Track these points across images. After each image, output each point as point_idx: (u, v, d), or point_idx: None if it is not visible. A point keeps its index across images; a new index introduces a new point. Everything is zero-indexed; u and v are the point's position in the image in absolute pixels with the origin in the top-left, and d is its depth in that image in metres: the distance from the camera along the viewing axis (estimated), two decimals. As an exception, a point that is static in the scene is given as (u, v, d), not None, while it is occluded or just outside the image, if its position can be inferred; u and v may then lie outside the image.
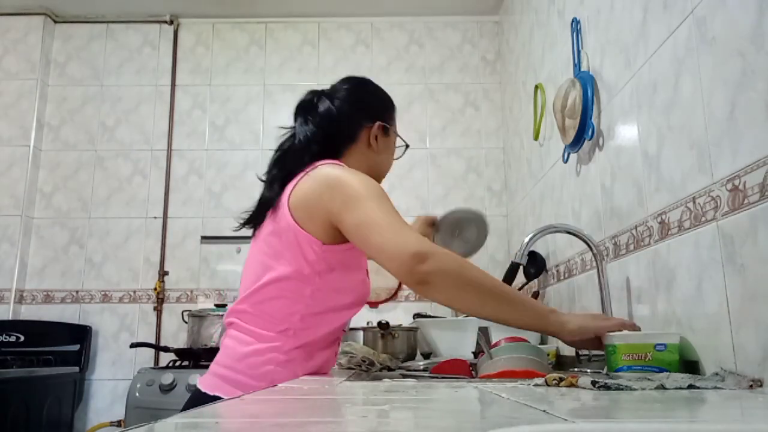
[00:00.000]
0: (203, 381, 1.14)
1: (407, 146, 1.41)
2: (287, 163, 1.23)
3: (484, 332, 1.32)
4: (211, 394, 1.09)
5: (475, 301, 1.04)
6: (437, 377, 1.20)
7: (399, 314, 2.72)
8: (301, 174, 1.16)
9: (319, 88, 1.34)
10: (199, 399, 1.09)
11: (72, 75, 3.15)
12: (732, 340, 1.00)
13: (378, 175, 1.28)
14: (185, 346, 2.58)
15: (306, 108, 1.29)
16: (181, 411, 0.76)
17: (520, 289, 2.40)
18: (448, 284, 1.02)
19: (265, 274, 1.14)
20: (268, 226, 1.18)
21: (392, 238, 1.03)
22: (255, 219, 1.23)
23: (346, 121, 1.27)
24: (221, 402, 0.75)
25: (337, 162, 1.21)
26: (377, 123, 1.28)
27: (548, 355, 1.84)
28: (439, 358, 1.78)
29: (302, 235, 1.11)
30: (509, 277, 1.53)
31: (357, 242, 1.09)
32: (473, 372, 1.35)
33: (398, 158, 1.39)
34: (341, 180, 1.11)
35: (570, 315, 1.12)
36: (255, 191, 1.29)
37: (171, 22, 3.18)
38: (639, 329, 1.14)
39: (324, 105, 1.27)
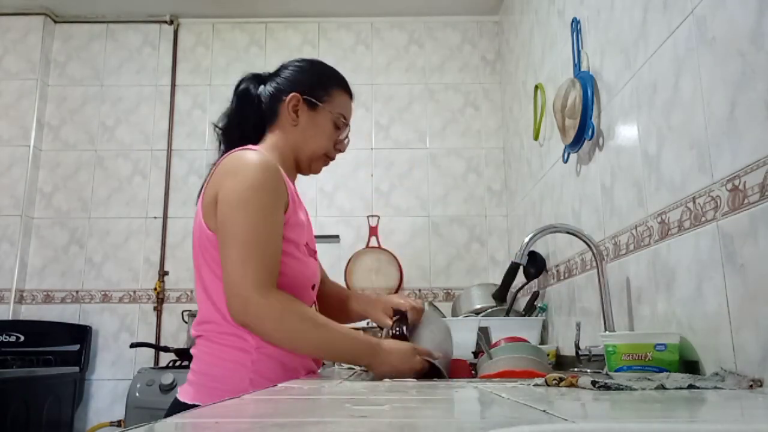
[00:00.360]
0: (181, 389, 1.12)
1: (346, 136, 1.31)
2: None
3: (484, 332, 1.31)
4: (190, 402, 1.07)
5: (297, 349, 1.10)
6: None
7: (399, 314, 2.71)
8: (215, 166, 1.16)
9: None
10: (177, 408, 1.07)
11: (72, 75, 3.15)
12: (732, 340, 1.00)
13: (301, 153, 1.24)
14: (185, 346, 2.58)
15: (235, 92, 1.29)
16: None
17: (520, 289, 2.40)
18: (266, 333, 1.04)
19: (200, 280, 1.14)
20: (194, 228, 1.17)
21: (233, 265, 1.03)
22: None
23: (268, 99, 1.25)
24: (221, 402, 0.75)
25: (249, 147, 1.17)
26: (293, 94, 1.22)
27: (548, 355, 1.84)
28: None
29: (208, 234, 1.10)
30: (509, 277, 1.53)
31: (218, 239, 1.07)
32: (473, 372, 1.35)
33: (342, 150, 1.31)
34: (233, 169, 1.10)
35: (387, 362, 1.09)
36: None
37: (171, 22, 3.18)
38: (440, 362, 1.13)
39: (248, 84, 1.28)
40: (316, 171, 1.30)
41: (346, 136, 1.31)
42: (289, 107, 1.23)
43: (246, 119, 1.26)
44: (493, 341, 1.89)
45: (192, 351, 1.16)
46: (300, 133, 1.24)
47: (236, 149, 1.16)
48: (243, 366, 1.08)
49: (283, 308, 1.03)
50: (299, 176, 1.33)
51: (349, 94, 1.32)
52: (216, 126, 1.29)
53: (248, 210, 1.05)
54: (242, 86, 1.28)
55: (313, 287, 1.23)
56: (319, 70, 1.30)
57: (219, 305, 1.10)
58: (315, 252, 1.25)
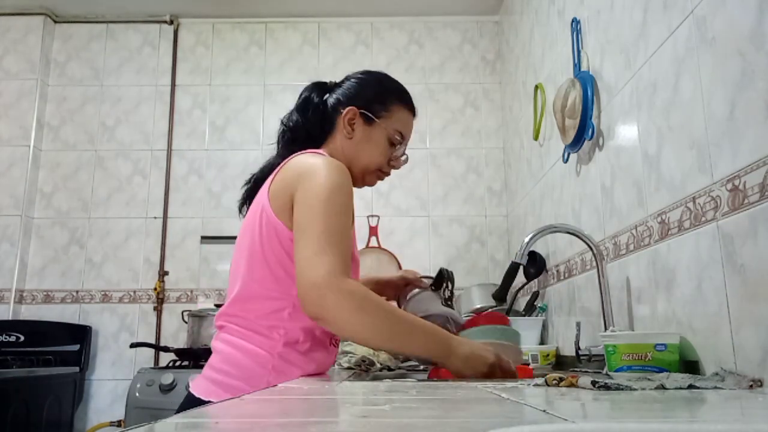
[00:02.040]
0: (196, 385, 1.12)
1: (403, 153, 1.30)
2: (274, 157, 1.25)
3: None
4: (205, 399, 1.07)
5: (370, 341, 1.05)
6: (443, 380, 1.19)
7: (399, 314, 2.71)
8: (281, 165, 1.16)
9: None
10: (192, 404, 1.06)
11: (72, 75, 3.15)
12: (732, 340, 1.01)
13: (353, 167, 1.24)
14: (185, 346, 2.58)
15: (302, 99, 1.30)
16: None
17: (520, 289, 2.40)
18: (342, 323, 1.00)
19: (248, 272, 1.13)
20: (250, 219, 1.17)
21: (308, 257, 1.00)
22: (247, 200, 1.26)
23: (330, 109, 1.26)
24: (221, 402, 0.75)
25: (316, 151, 1.19)
26: (350, 107, 1.23)
27: (548, 355, 1.85)
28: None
29: (281, 227, 1.10)
30: (509, 277, 1.53)
31: (294, 240, 1.07)
32: None
33: (397, 167, 1.30)
34: (310, 169, 1.10)
35: (466, 358, 1.04)
36: (255, 191, 1.29)
37: (171, 22, 3.18)
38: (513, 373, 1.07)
39: (310, 93, 1.29)
40: (370, 184, 1.30)
41: (403, 153, 1.30)
42: (345, 120, 1.23)
43: (307, 126, 1.27)
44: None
45: (213, 344, 1.15)
46: (354, 147, 1.24)
47: (303, 152, 1.18)
48: (263, 368, 1.08)
49: (362, 298, 0.99)
50: None
51: (410, 110, 1.30)
52: (282, 123, 1.30)
53: (327, 207, 1.05)
54: (303, 95, 1.29)
55: None
56: (381, 84, 1.29)
57: (257, 303, 1.11)
58: (358, 263, 1.25)
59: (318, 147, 1.25)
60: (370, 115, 1.24)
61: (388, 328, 1.01)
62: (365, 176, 1.27)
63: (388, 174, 1.30)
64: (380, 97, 1.26)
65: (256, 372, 1.08)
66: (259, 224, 1.13)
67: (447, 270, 1.36)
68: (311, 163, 1.12)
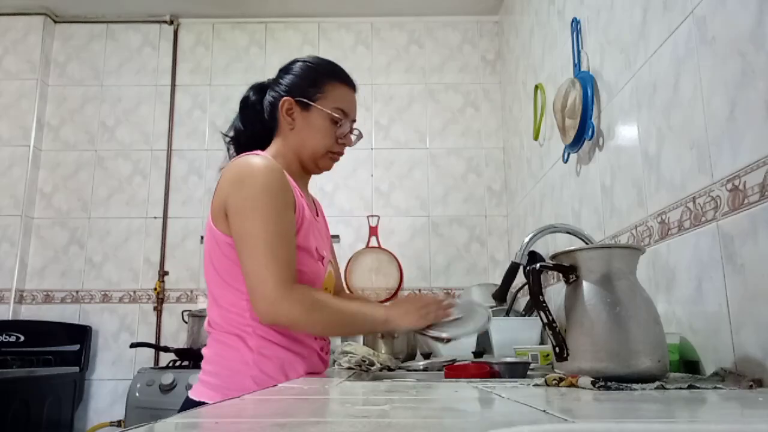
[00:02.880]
0: (193, 388, 1.16)
1: (353, 129, 1.30)
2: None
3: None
4: (198, 400, 1.11)
5: (325, 334, 1.24)
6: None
7: (399, 314, 2.71)
8: (221, 175, 1.18)
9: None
10: (188, 406, 1.11)
11: (72, 75, 3.15)
12: (732, 340, 1.00)
13: (303, 155, 1.25)
14: (185, 346, 2.58)
15: (240, 103, 1.32)
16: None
17: (520, 289, 2.40)
18: (298, 327, 1.12)
19: (208, 279, 1.18)
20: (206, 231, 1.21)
21: (254, 270, 1.07)
22: None
23: (269, 107, 1.27)
24: (221, 402, 0.75)
25: (254, 152, 1.20)
26: (285, 98, 1.23)
27: (548, 355, 1.85)
28: (439, 358, 1.78)
29: (218, 234, 1.14)
30: (509, 277, 1.53)
31: (237, 250, 1.10)
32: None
33: (349, 144, 1.29)
34: (238, 175, 1.12)
35: (400, 315, 1.16)
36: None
37: (171, 22, 3.18)
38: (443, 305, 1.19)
39: (248, 94, 1.31)
40: (326, 168, 1.29)
41: (351, 130, 1.29)
42: (283, 112, 1.24)
43: (251, 128, 1.29)
44: (493, 341, 1.89)
45: (202, 351, 1.19)
46: (297, 136, 1.24)
47: (241, 155, 1.19)
48: (245, 365, 1.11)
49: (310, 302, 1.09)
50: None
51: (347, 84, 1.29)
52: (225, 135, 1.31)
53: (259, 215, 1.08)
54: (243, 96, 1.32)
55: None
56: (310, 68, 1.28)
57: (223, 307, 1.15)
58: (323, 258, 1.24)
59: (264, 147, 1.26)
60: (305, 100, 1.24)
61: (337, 321, 1.13)
62: (317, 161, 1.26)
63: (341, 153, 1.29)
64: (312, 80, 1.26)
65: (237, 370, 1.11)
66: (207, 233, 1.17)
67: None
68: (240, 168, 1.13)
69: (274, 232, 1.07)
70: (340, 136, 1.26)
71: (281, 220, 1.09)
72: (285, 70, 1.30)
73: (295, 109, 1.24)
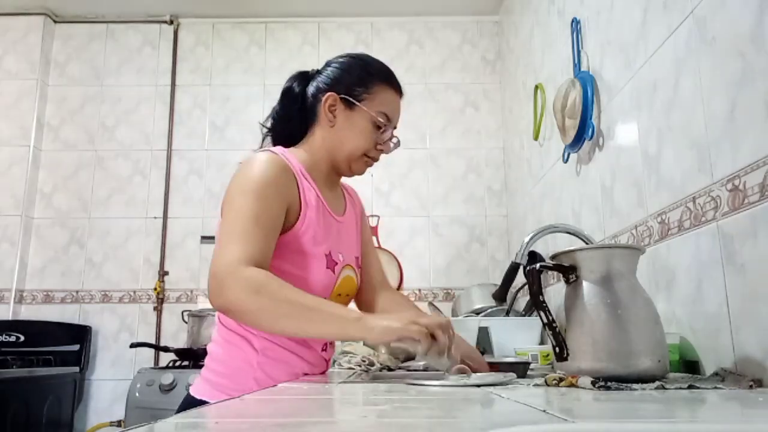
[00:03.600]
0: (194, 384, 1.15)
1: (393, 136, 1.23)
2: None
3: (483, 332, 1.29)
4: (199, 398, 1.10)
5: (273, 326, 0.98)
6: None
7: (399, 314, 2.71)
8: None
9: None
10: (189, 404, 1.10)
11: (72, 75, 3.15)
12: (732, 340, 1.00)
13: (337, 155, 1.19)
14: (185, 346, 2.57)
15: (283, 92, 1.26)
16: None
17: (520, 289, 2.40)
18: (239, 313, 0.97)
19: None
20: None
21: (216, 251, 1.01)
22: None
23: (311, 98, 1.22)
24: (221, 402, 0.75)
25: (269, 149, 1.16)
26: (329, 93, 1.18)
27: (548, 355, 1.85)
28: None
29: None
30: (509, 277, 1.53)
31: None
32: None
33: (386, 151, 1.23)
34: (242, 167, 1.10)
35: (380, 318, 0.95)
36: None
37: (171, 22, 3.18)
38: (449, 331, 0.94)
39: (292, 83, 1.25)
40: (359, 172, 1.23)
41: (391, 136, 1.22)
42: (325, 107, 1.18)
43: (290, 118, 1.23)
44: (493, 341, 1.89)
45: (207, 347, 1.18)
46: (336, 134, 1.18)
47: (261, 150, 1.16)
48: (249, 365, 1.10)
49: (260, 282, 0.94)
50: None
51: (395, 89, 1.23)
52: (262, 125, 1.27)
53: (240, 199, 1.04)
54: (286, 85, 1.25)
55: (339, 296, 1.20)
56: (361, 66, 1.22)
57: None
58: (336, 264, 1.16)
59: (298, 141, 1.23)
60: (351, 99, 1.18)
61: (288, 311, 0.94)
62: (351, 164, 1.21)
63: (376, 159, 1.24)
64: (361, 79, 1.19)
65: (242, 369, 1.10)
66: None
67: None
68: (246, 161, 1.11)
69: (245, 214, 1.01)
70: (379, 142, 1.20)
71: (262, 206, 1.03)
72: (332, 64, 1.24)
73: (338, 106, 1.18)
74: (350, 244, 1.25)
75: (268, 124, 1.26)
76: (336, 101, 1.18)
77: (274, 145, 1.22)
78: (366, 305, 1.32)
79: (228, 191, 1.08)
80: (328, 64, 1.25)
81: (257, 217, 1.01)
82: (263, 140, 1.27)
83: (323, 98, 1.18)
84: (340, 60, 1.24)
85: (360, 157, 1.20)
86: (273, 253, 1.05)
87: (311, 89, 1.23)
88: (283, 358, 1.12)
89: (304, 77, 1.25)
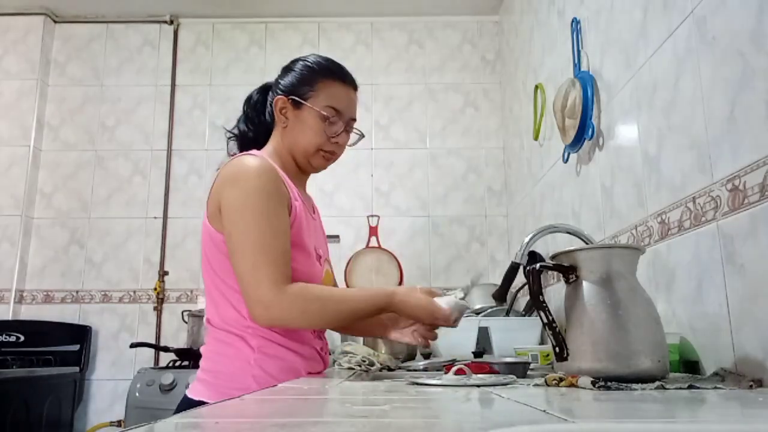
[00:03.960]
0: (191, 386, 1.16)
1: (350, 128, 1.28)
2: None
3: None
4: (197, 399, 1.10)
5: (324, 327, 1.23)
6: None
7: (399, 314, 2.71)
8: (217, 173, 1.19)
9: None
10: (185, 405, 1.10)
11: (72, 75, 3.15)
12: (732, 340, 1.00)
13: (295, 153, 1.25)
14: (185, 346, 2.57)
15: (244, 102, 1.35)
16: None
17: (520, 289, 2.40)
18: (295, 326, 1.13)
19: (206, 277, 1.19)
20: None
21: (247, 272, 1.06)
22: None
23: (270, 105, 1.29)
24: (221, 402, 0.75)
25: (249, 153, 1.20)
26: (278, 97, 1.24)
27: (548, 355, 1.85)
28: (439, 359, 1.78)
29: (213, 232, 1.14)
30: (509, 277, 1.53)
31: (229, 250, 1.10)
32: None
33: (341, 143, 1.26)
34: (232, 176, 1.12)
35: (408, 296, 1.13)
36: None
37: (171, 22, 3.17)
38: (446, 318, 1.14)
39: (252, 94, 1.34)
40: (320, 167, 1.28)
41: (347, 129, 1.27)
42: (277, 110, 1.25)
43: (254, 127, 1.31)
44: (493, 341, 1.89)
45: (201, 349, 1.19)
46: (290, 133, 1.24)
47: (237, 155, 1.20)
48: (247, 363, 1.11)
49: (304, 299, 1.07)
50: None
51: (343, 82, 1.26)
52: (228, 131, 1.33)
53: (250, 216, 1.08)
54: (248, 96, 1.34)
55: None
56: (304, 66, 1.27)
57: (222, 306, 1.14)
58: (321, 257, 1.25)
59: (261, 146, 1.28)
60: (297, 99, 1.23)
61: (335, 308, 1.11)
62: (309, 160, 1.25)
63: (333, 152, 1.26)
64: (304, 78, 1.25)
65: (239, 369, 1.11)
66: (203, 233, 1.18)
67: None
68: (235, 168, 1.14)
69: (265, 232, 1.07)
70: (332, 135, 1.23)
71: (274, 220, 1.09)
72: (285, 70, 1.30)
73: (288, 107, 1.24)
74: (324, 241, 1.35)
75: (235, 131, 1.33)
76: (285, 103, 1.24)
77: (240, 149, 1.30)
78: None
79: (230, 203, 1.10)
80: (282, 72, 1.31)
81: (275, 232, 1.08)
82: (227, 146, 1.33)
83: (274, 102, 1.25)
84: (290, 65, 1.30)
85: (316, 152, 1.25)
86: None
87: (269, 97, 1.30)
88: (279, 354, 1.13)
89: (265, 88, 1.34)
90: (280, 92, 1.26)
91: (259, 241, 1.06)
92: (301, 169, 1.29)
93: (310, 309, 1.08)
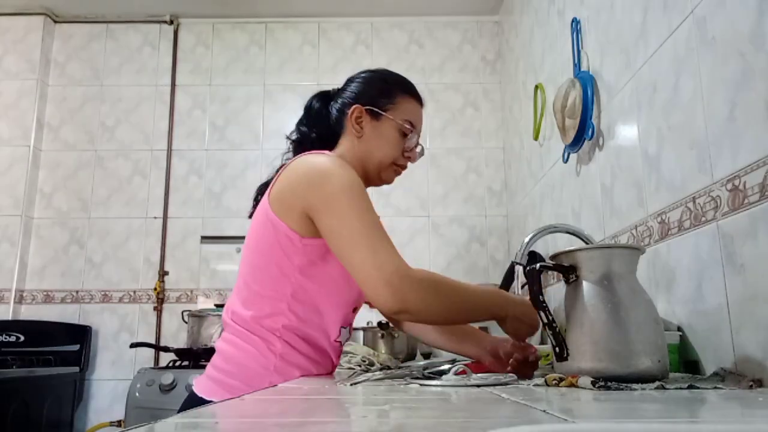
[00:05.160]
0: (199, 383, 1.13)
1: (418, 144, 1.29)
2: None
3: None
4: (207, 398, 1.08)
5: (448, 319, 1.15)
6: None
7: (399, 314, 2.71)
8: (284, 166, 1.15)
9: (321, 88, 1.34)
10: (194, 402, 1.07)
11: (72, 75, 3.15)
12: (732, 340, 1.00)
13: (368, 165, 1.22)
14: (185, 346, 2.57)
15: (305, 109, 1.30)
16: (178, 413, 0.75)
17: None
18: (427, 309, 1.02)
19: (248, 271, 1.13)
20: (253, 221, 1.17)
21: (365, 259, 1.00)
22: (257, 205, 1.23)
23: (337, 113, 1.25)
24: (221, 402, 0.75)
25: (320, 151, 1.17)
26: (355, 106, 1.21)
27: (548, 355, 1.85)
28: (439, 359, 1.78)
29: (281, 227, 1.08)
30: (509, 277, 1.53)
31: (331, 248, 1.05)
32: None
33: (413, 159, 1.29)
34: (318, 170, 1.08)
35: (515, 306, 1.09)
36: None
37: (171, 22, 3.18)
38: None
39: (311, 103, 1.29)
40: (388, 180, 1.27)
41: (417, 144, 1.28)
42: (352, 119, 1.21)
43: (316, 132, 1.27)
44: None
45: (216, 345, 1.15)
46: (365, 145, 1.21)
47: (305, 153, 1.16)
48: (265, 369, 1.08)
49: (434, 282, 1.02)
50: None
51: (416, 99, 1.28)
52: (288, 137, 1.29)
53: (349, 208, 1.04)
54: (306, 105, 1.30)
55: (354, 310, 1.21)
56: (383, 78, 1.27)
57: (256, 305, 1.10)
58: None
59: (328, 150, 1.23)
60: (376, 110, 1.22)
61: (461, 304, 1.05)
62: (381, 173, 1.24)
63: (404, 167, 1.28)
64: (384, 91, 1.24)
65: (258, 373, 1.08)
66: (261, 225, 1.13)
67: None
68: (318, 166, 1.09)
69: (375, 221, 1.04)
70: (407, 149, 1.25)
71: (375, 214, 1.06)
72: (353, 80, 1.28)
73: (364, 117, 1.21)
74: None
75: (295, 137, 1.29)
76: (362, 113, 1.22)
77: (295, 153, 1.24)
78: None
79: (324, 202, 1.05)
80: (350, 81, 1.29)
81: (376, 222, 1.04)
82: (288, 150, 1.28)
83: (349, 111, 1.21)
84: (362, 75, 1.29)
85: (389, 166, 1.24)
86: (323, 261, 1.10)
87: (336, 105, 1.26)
88: (299, 363, 1.10)
89: (324, 96, 1.30)
90: (352, 101, 1.23)
91: (370, 229, 1.02)
92: (368, 179, 1.25)
93: (440, 294, 1.02)
